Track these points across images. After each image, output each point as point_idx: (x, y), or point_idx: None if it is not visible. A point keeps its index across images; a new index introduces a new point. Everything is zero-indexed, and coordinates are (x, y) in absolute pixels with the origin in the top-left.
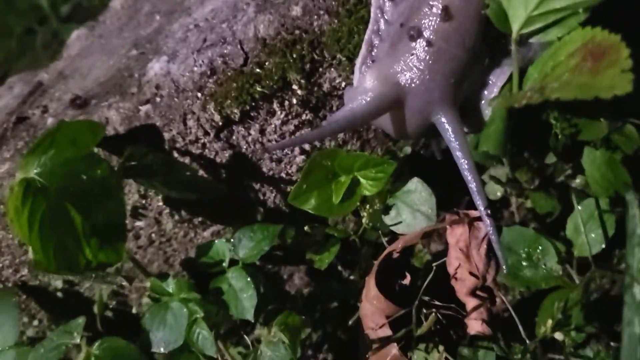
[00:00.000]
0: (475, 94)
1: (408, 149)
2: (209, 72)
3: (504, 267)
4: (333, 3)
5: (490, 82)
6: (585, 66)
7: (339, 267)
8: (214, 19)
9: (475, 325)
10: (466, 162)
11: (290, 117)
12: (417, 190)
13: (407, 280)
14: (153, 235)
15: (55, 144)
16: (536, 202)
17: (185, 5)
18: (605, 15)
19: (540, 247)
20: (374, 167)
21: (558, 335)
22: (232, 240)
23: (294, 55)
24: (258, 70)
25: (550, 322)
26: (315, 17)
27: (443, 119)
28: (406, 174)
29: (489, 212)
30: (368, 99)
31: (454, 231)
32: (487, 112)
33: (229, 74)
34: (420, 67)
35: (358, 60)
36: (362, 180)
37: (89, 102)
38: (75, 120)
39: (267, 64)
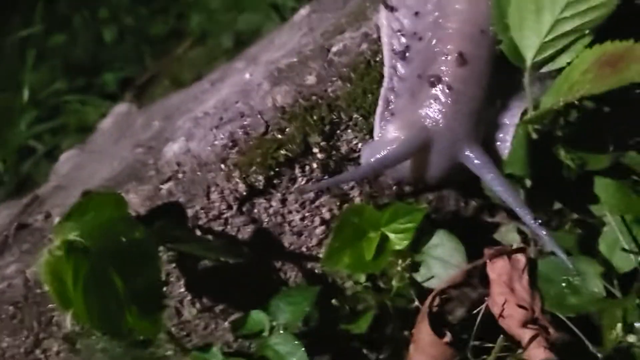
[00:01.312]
0: (491, 136)
1: (424, 204)
2: (230, 144)
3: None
4: (344, 70)
5: (504, 123)
6: (605, 73)
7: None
8: (223, 105)
9: (537, 353)
10: (502, 186)
11: (309, 182)
12: (443, 243)
13: (448, 334)
14: (173, 328)
15: (90, 209)
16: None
17: (183, 108)
18: (608, 36)
19: (578, 273)
20: (402, 216)
21: (631, 338)
22: (269, 308)
23: (314, 118)
24: (280, 136)
25: (619, 325)
26: (329, 83)
27: (471, 155)
28: (427, 229)
29: (539, 221)
30: (396, 146)
31: (495, 265)
32: (505, 152)
33: (251, 142)
34: (443, 110)
35: (376, 117)
36: (390, 235)
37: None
38: (103, 192)
39: (288, 129)
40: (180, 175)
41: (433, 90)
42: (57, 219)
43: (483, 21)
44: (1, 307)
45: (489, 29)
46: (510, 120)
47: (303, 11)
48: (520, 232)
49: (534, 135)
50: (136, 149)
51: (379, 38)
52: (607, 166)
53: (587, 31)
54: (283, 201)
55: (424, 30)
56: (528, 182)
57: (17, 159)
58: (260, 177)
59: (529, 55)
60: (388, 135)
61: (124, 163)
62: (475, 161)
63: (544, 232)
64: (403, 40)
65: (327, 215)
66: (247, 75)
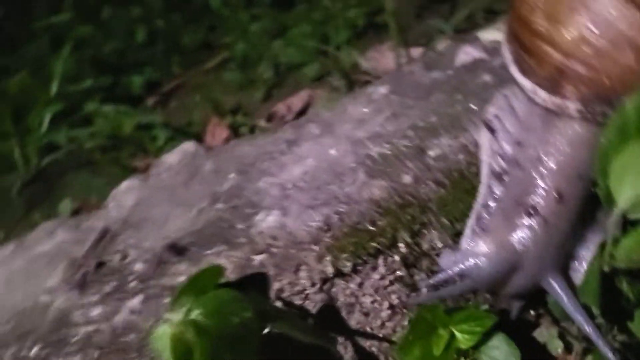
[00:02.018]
0: (567, 264)
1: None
2: (325, 228)
3: None
4: (439, 175)
5: (581, 254)
6: None
7: None
8: (314, 178)
9: None
10: (582, 316)
11: (388, 272)
12: (501, 346)
13: None
14: None
15: (202, 284)
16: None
17: (261, 167)
18: None
19: None
20: (473, 320)
21: None
22: None
23: (407, 217)
24: (372, 228)
25: None
26: (424, 185)
27: (553, 283)
28: (489, 331)
29: (615, 354)
30: (485, 260)
31: None
32: (577, 279)
33: (345, 230)
34: (536, 239)
35: (467, 229)
36: (457, 334)
37: (189, 249)
38: (213, 265)
39: (380, 223)
40: (274, 250)
41: (528, 219)
42: (135, 263)
43: (581, 166)
44: (87, 350)
45: (587, 173)
46: (586, 252)
47: (382, 89)
48: (561, 337)
49: (606, 268)
50: (216, 204)
51: (476, 152)
52: None
53: None
54: (360, 284)
55: (524, 161)
56: (595, 310)
57: (37, 151)
58: (349, 264)
59: (623, 204)
60: (477, 248)
61: (205, 218)
62: (558, 289)
63: (612, 354)
64: (502, 163)
65: (395, 301)
66: (333, 152)
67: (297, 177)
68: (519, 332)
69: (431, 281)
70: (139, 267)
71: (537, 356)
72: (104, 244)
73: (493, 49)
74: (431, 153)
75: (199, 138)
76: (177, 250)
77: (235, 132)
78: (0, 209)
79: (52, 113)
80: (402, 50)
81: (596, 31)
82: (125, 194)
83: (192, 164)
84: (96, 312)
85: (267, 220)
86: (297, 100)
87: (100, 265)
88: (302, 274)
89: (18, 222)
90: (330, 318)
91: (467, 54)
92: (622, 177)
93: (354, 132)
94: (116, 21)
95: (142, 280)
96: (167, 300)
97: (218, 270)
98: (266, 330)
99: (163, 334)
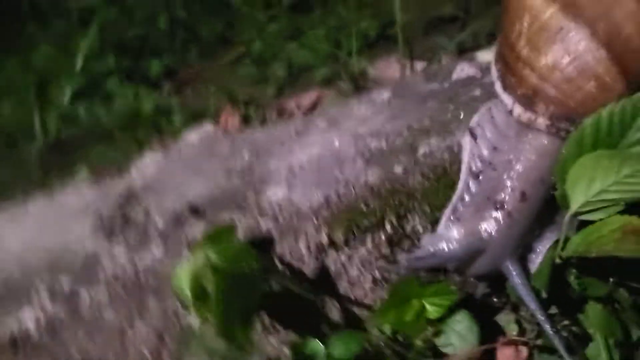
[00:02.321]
0: (525, 254)
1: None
2: (325, 204)
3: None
4: (426, 169)
5: (537, 248)
6: (629, 239)
7: None
8: (319, 163)
9: None
10: (530, 297)
11: (374, 249)
12: (463, 320)
13: None
14: None
15: (218, 239)
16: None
17: (272, 150)
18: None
19: None
20: (442, 294)
21: None
22: (327, 341)
23: (395, 202)
24: (365, 208)
25: None
26: (412, 177)
27: (512, 269)
28: (455, 307)
29: (556, 329)
30: (456, 245)
31: (504, 352)
32: (532, 268)
33: (341, 207)
34: (500, 230)
35: (444, 216)
36: (427, 305)
37: (205, 210)
38: (228, 223)
39: (372, 204)
40: (280, 219)
41: (495, 213)
42: (157, 220)
43: (544, 172)
44: (113, 286)
45: (548, 178)
46: (542, 247)
47: (385, 94)
48: (518, 322)
49: (558, 261)
50: (231, 177)
51: (459, 153)
52: (603, 295)
53: (623, 203)
54: (349, 257)
55: (498, 163)
56: (544, 294)
57: (57, 123)
58: (341, 236)
59: (574, 207)
60: (450, 234)
61: (221, 187)
62: (514, 274)
63: (558, 339)
64: (479, 164)
65: (378, 276)
66: (337, 143)
67: (303, 161)
68: (482, 314)
69: (410, 256)
70: (160, 223)
71: (494, 335)
72: (128, 202)
73: (486, 68)
74: (421, 150)
75: (213, 124)
76: (195, 210)
77: (246, 122)
78: (18, 177)
79: (74, 87)
80: (407, 62)
81: (567, 61)
82: (148, 164)
83: (210, 143)
84: (122, 257)
85: (276, 193)
86: (306, 99)
87: (125, 220)
88: (301, 242)
89: (35, 189)
90: (321, 283)
91: (463, 70)
92: (575, 183)
93: (356, 128)
94: (140, 8)
95: (163, 235)
96: (185, 252)
97: (232, 227)
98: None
99: (184, 273)
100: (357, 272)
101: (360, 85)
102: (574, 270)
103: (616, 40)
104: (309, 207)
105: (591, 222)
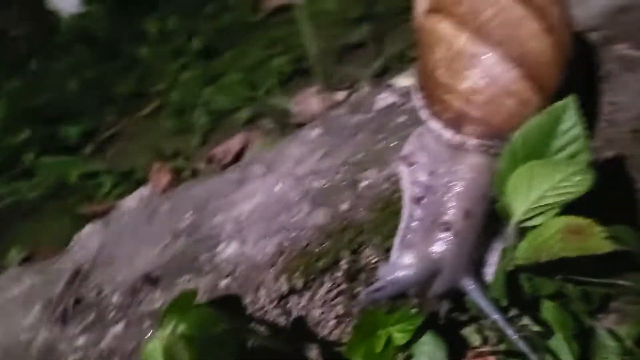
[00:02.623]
0: (479, 268)
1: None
2: (278, 253)
3: None
4: (370, 202)
5: (489, 259)
6: (570, 239)
7: None
8: (264, 211)
9: None
10: (492, 309)
11: (333, 287)
12: (430, 342)
13: None
14: None
15: (182, 307)
16: None
17: (215, 204)
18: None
19: None
20: (406, 320)
21: None
22: None
23: (346, 238)
24: (318, 250)
25: None
26: (358, 211)
27: (467, 283)
28: (420, 330)
29: (519, 333)
30: (410, 272)
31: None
32: (488, 278)
33: (295, 253)
34: (450, 250)
35: (395, 246)
36: (394, 333)
37: (161, 279)
38: (188, 290)
39: (324, 245)
40: (237, 274)
41: (443, 234)
42: (111, 295)
43: (483, 188)
44: None
45: (487, 193)
46: (493, 258)
47: (316, 131)
48: (479, 332)
49: (510, 268)
50: (179, 240)
51: (398, 181)
52: (553, 292)
53: (559, 206)
54: (310, 299)
55: (437, 187)
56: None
57: None
58: (300, 282)
59: (517, 216)
60: (403, 261)
61: (171, 252)
62: (472, 289)
63: (521, 342)
64: (419, 190)
65: (340, 312)
66: (278, 188)
67: (248, 212)
68: (447, 331)
69: (369, 289)
70: (116, 298)
71: (462, 349)
72: (77, 283)
73: (405, 94)
74: (362, 184)
75: (143, 182)
76: (151, 280)
77: (177, 174)
78: None
79: None
80: (326, 94)
81: (485, 83)
82: (89, 238)
83: (149, 206)
84: (81, 341)
85: (228, 250)
86: (234, 143)
87: (77, 301)
88: (262, 293)
89: None
90: (288, 330)
91: (383, 99)
92: (515, 194)
93: (294, 169)
94: (46, 74)
95: (121, 309)
96: (147, 324)
97: (193, 293)
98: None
99: (154, 348)
100: (320, 312)
101: (284, 122)
102: (524, 274)
103: (526, 59)
104: (264, 258)
105: (534, 229)
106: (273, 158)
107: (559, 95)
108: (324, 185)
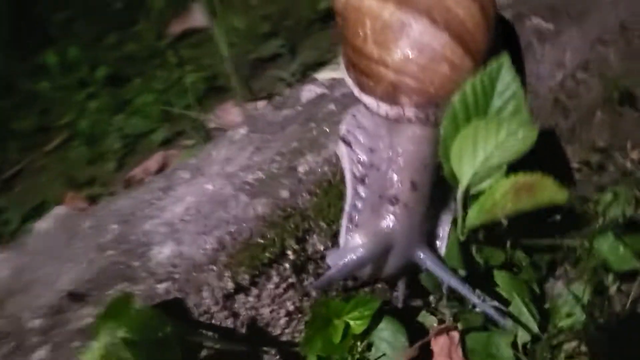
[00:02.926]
0: (432, 239)
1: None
2: (220, 248)
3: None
4: (311, 186)
5: (441, 235)
6: (522, 196)
7: None
8: (199, 210)
9: None
10: (450, 277)
11: (281, 280)
12: (388, 327)
13: None
14: None
15: (119, 312)
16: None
17: (142, 214)
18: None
19: (494, 345)
20: (362, 306)
21: None
22: None
23: (291, 226)
24: (262, 241)
25: None
26: (300, 197)
27: (422, 255)
28: (377, 317)
29: (483, 298)
30: (362, 251)
31: (438, 341)
32: (442, 250)
33: (238, 247)
34: (400, 223)
35: (342, 229)
36: (350, 321)
37: (88, 294)
38: (122, 293)
39: (268, 235)
40: (176, 276)
41: (392, 208)
42: (31, 321)
43: (426, 159)
44: None
45: (431, 162)
46: (444, 228)
47: (242, 131)
48: (434, 314)
49: (462, 238)
50: (105, 253)
51: (338, 163)
52: (503, 261)
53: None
54: (258, 296)
55: (379, 163)
56: (462, 272)
57: None
58: (247, 277)
59: (464, 180)
60: (353, 242)
61: (97, 266)
62: (427, 260)
63: (486, 305)
64: (361, 169)
65: (290, 308)
66: (210, 187)
67: (181, 214)
68: (402, 316)
69: (321, 278)
70: (37, 322)
71: (421, 335)
72: None
73: (331, 85)
74: (300, 169)
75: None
76: (77, 297)
77: (93, 202)
78: None
79: None
80: (247, 105)
81: (417, 52)
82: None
83: (68, 225)
84: None
85: (163, 252)
86: (152, 163)
87: None
88: (205, 294)
89: None
90: (237, 331)
91: (310, 91)
92: (460, 158)
93: (224, 169)
94: None
95: (44, 333)
96: (76, 344)
97: (128, 296)
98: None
99: (93, 358)
100: (269, 310)
101: (205, 137)
102: (474, 245)
103: (454, 24)
104: (204, 256)
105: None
106: (199, 163)
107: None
108: (260, 176)
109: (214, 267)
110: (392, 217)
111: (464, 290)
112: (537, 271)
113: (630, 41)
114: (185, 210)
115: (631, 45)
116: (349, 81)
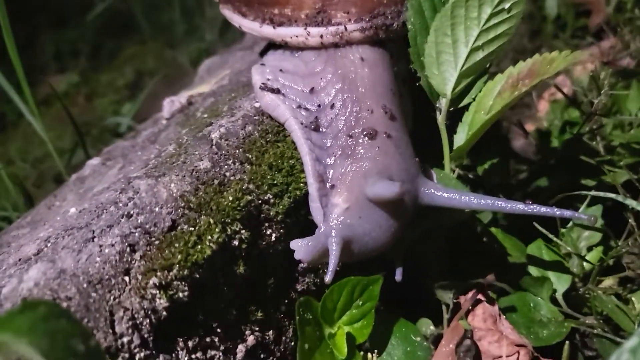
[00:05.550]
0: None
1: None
2: (128, 249)
3: None
4: (237, 151)
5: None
6: (523, 83)
7: None
8: (71, 228)
9: None
10: (479, 197)
11: (235, 295)
12: (398, 344)
13: None
14: None
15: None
16: None
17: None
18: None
19: (532, 304)
20: (359, 295)
21: None
22: None
23: (230, 198)
24: (192, 228)
25: None
26: (225, 166)
27: (432, 190)
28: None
29: (530, 202)
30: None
31: (475, 313)
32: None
33: (157, 242)
34: (392, 155)
35: (314, 200)
36: (350, 330)
37: None
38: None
39: (197, 220)
40: (64, 305)
41: (373, 141)
42: None
43: (388, 82)
44: None
45: (396, 87)
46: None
47: (93, 161)
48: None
49: (452, 167)
50: None
51: (265, 120)
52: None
53: (491, 61)
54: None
55: (331, 100)
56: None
57: None
58: (184, 284)
59: (449, 87)
60: (338, 208)
61: None
62: (438, 192)
63: (543, 209)
64: (306, 114)
65: (249, 339)
66: (74, 210)
67: (44, 239)
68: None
69: (329, 268)
70: None
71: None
72: None
73: (189, 96)
74: (215, 134)
75: None
76: None
77: None
78: None
79: None
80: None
81: None
82: None
83: None
84: None
85: (29, 278)
86: None
87: None
88: (120, 323)
89: None
90: None
91: (169, 108)
92: (438, 59)
93: (84, 196)
94: None
95: None
96: None
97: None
98: None
99: None
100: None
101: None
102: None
103: None
104: (107, 265)
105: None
106: (38, 215)
107: None
108: (153, 162)
109: (127, 279)
110: (377, 152)
111: (501, 203)
112: None
113: None
114: (47, 235)
115: None
116: (253, 27)
